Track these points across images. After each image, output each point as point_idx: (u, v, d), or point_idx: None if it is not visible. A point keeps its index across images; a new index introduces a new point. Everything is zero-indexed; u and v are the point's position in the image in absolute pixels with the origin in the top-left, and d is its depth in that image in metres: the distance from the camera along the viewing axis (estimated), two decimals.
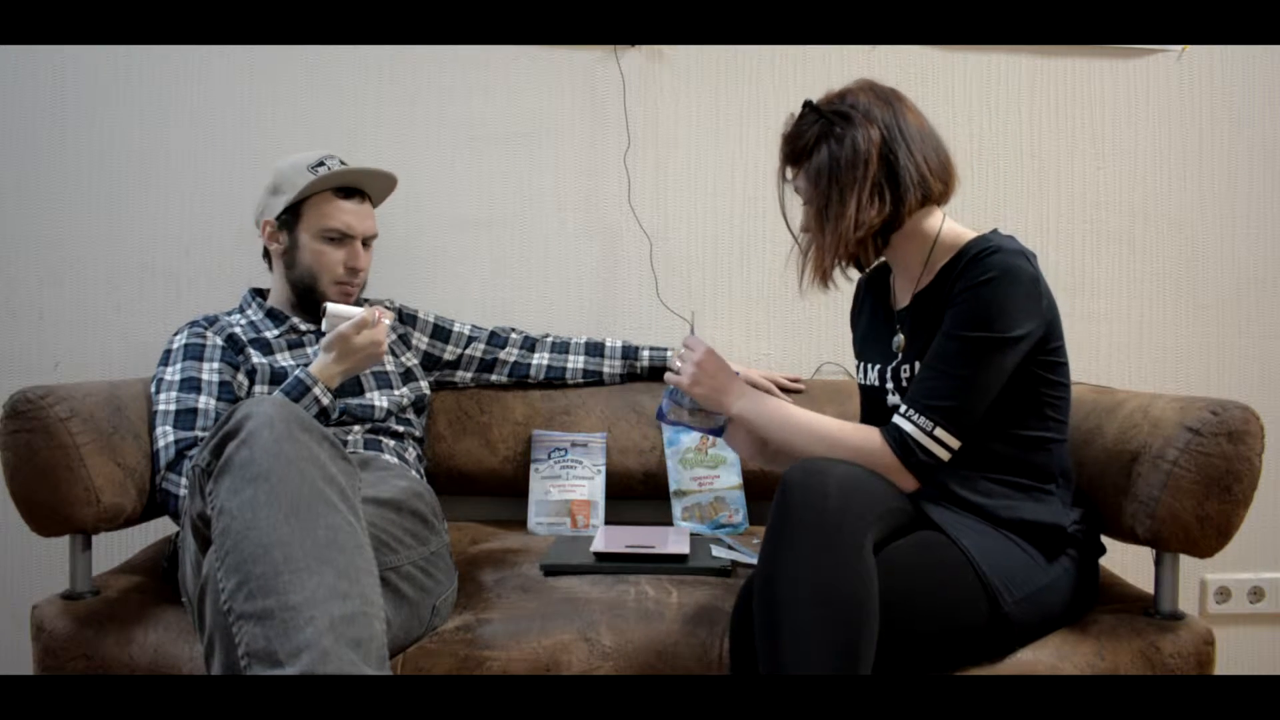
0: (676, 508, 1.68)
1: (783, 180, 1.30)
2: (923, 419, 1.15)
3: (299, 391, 1.33)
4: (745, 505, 1.68)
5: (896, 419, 1.18)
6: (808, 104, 1.25)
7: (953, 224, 1.26)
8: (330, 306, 1.39)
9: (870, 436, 1.19)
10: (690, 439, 1.69)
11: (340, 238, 1.53)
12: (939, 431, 1.15)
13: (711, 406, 1.29)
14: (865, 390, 1.36)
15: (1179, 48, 1.91)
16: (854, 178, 1.19)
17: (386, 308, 1.71)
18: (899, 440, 1.17)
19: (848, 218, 1.20)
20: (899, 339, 1.28)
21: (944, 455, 1.16)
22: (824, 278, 1.27)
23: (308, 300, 1.55)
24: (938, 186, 1.22)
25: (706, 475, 1.68)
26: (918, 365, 1.22)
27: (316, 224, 1.52)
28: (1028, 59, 1.91)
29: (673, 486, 1.69)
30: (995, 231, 1.23)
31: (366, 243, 1.57)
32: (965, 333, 1.14)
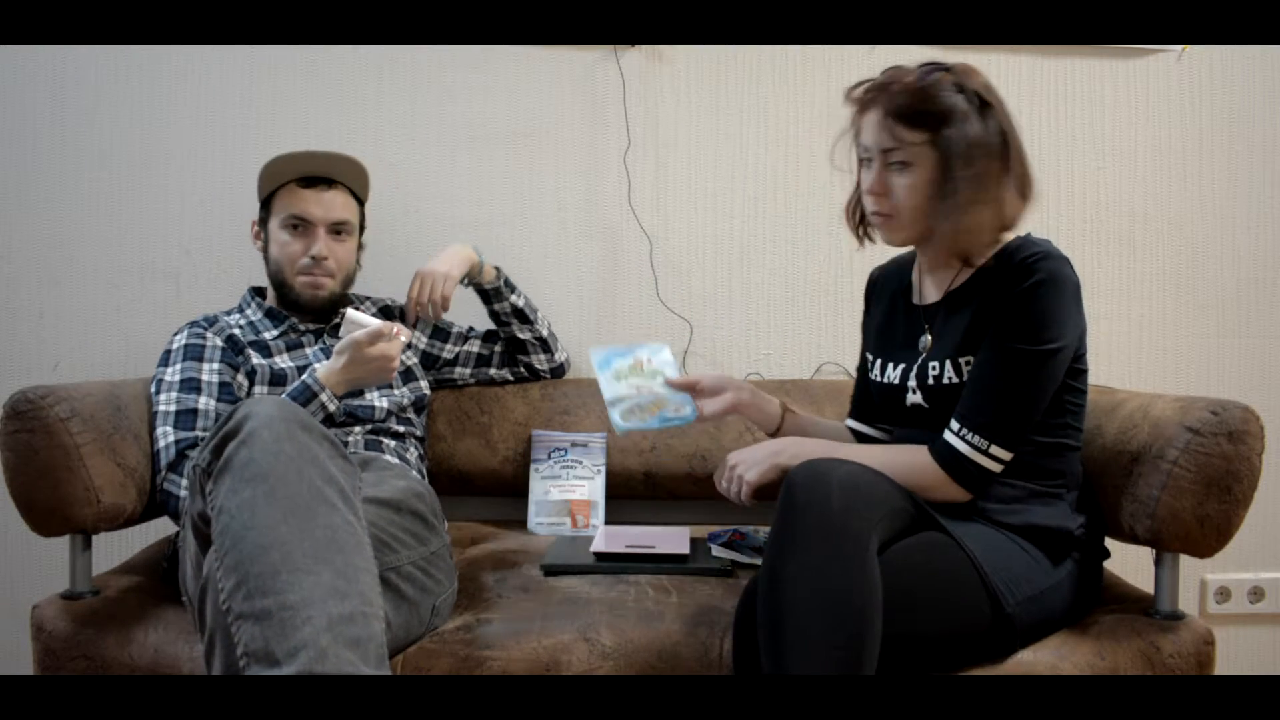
0: (614, 414, 1.41)
1: (856, 131, 1.20)
2: (977, 438, 1.14)
3: (306, 397, 1.33)
4: (691, 400, 1.41)
5: (949, 436, 1.16)
6: (937, 65, 1.15)
7: None
8: (349, 313, 1.38)
9: (917, 452, 1.18)
10: (624, 362, 1.46)
11: (300, 224, 1.52)
12: (994, 449, 1.14)
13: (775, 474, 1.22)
14: (881, 388, 1.31)
15: (1179, 48, 1.91)
16: (1005, 167, 1.16)
17: (387, 306, 1.71)
18: (949, 457, 1.15)
19: (984, 208, 1.15)
20: (926, 339, 1.26)
21: (997, 469, 1.15)
22: (915, 240, 1.22)
23: (284, 297, 1.56)
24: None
25: (644, 384, 1.43)
26: (947, 364, 1.20)
27: (280, 214, 1.54)
28: (1028, 59, 1.91)
29: (607, 397, 1.42)
30: (1029, 236, 1.21)
31: (339, 232, 1.55)
32: (1015, 344, 1.13)
